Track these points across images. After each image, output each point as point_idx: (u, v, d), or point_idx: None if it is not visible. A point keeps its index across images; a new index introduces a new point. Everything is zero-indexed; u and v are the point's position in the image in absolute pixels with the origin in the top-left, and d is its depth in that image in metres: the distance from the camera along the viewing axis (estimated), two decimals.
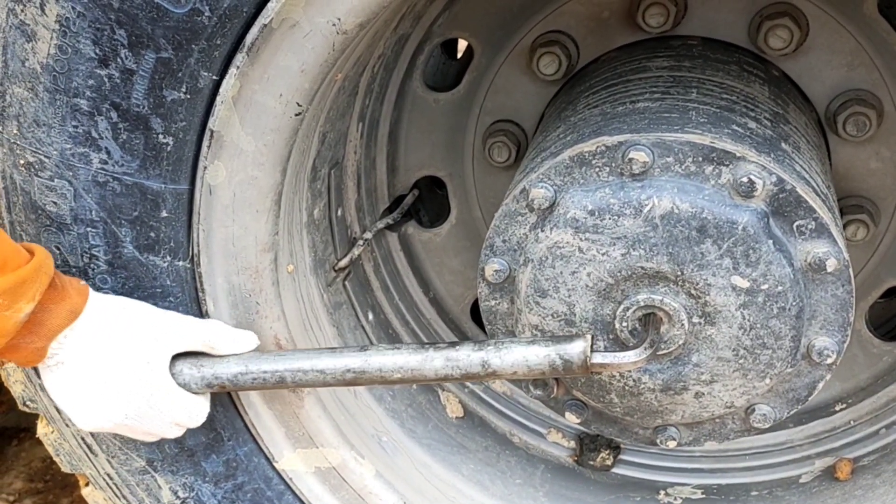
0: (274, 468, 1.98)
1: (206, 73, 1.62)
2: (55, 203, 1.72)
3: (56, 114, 1.65)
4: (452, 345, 1.72)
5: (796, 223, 1.69)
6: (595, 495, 2.27)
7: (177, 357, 1.74)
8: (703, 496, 2.27)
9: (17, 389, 1.97)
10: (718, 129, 1.73)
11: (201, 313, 1.82)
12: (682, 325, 1.72)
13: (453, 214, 2.36)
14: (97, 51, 1.61)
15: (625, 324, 1.75)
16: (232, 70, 1.62)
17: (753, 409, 1.84)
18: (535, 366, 1.68)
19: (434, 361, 1.70)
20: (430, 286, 2.42)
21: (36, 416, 2.02)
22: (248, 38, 1.60)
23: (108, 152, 1.68)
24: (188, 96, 1.64)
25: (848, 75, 2.09)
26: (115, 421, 1.71)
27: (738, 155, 1.67)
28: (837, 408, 2.31)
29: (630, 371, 1.78)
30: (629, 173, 1.70)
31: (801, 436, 2.31)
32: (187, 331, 1.75)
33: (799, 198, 1.67)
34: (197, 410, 1.77)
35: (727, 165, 1.67)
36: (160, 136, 1.67)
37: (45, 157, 1.68)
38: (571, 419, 1.95)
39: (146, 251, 1.76)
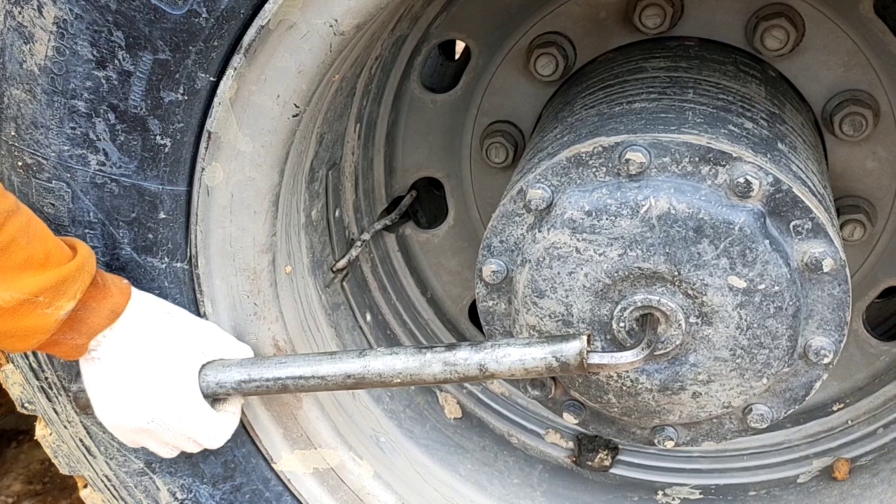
0: (272, 469, 1.98)
1: (203, 75, 1.62)
2: (53, 205, 1.72)
3: (54, 115, 1.65)
4: (450, 347, 1.72)
5: (793, 223, 1.69)
6: (593, 495, 2.27)
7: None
8: (702, 496, 2.27)
9: (15, 391, 1.97)
10: (715, 130, 1.73)
11: (199, 315, 1.82)
12: (680, 325, 1.73)
13: (451, 215, 2.36)
14: (95, 52, 1.61)
15: (622, 324, 1.75)
16: (229, 71, 1.62)
17: (751, 409, 1.84)
18: (533, 367, 1.68)
19: (432, 366, 1.70)
20: (428, 287, 2.42)
21: (34, 418, 2.02)
22: (246, 40, 1.60)
23: (105, 154, 1.68)
24: (186, 98, 1.64)
25: (844, 75, 2.09)
26: (139, 424, 1.71)
27: (734, 155, 1.67)
28: (835, 408, 2.31)
29: (627, 371, 1.78)
30: (626, 174, 1.70)
31: (799, 436, 2.31)
32: (222, 343, 1.77)
33: (795, 198, 1.68)
34: (219, 429, 1.75)
35: (724, 166, 1.68)
36: (158, 138, 1.67)
37: (43, 158, 1.69)
38: (569, 419, 1.96)
39: (144, 252, 1.76)
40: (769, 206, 1.68)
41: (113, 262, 1.76)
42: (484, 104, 2.25)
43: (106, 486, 2.01)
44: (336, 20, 1.60)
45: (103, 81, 1.63)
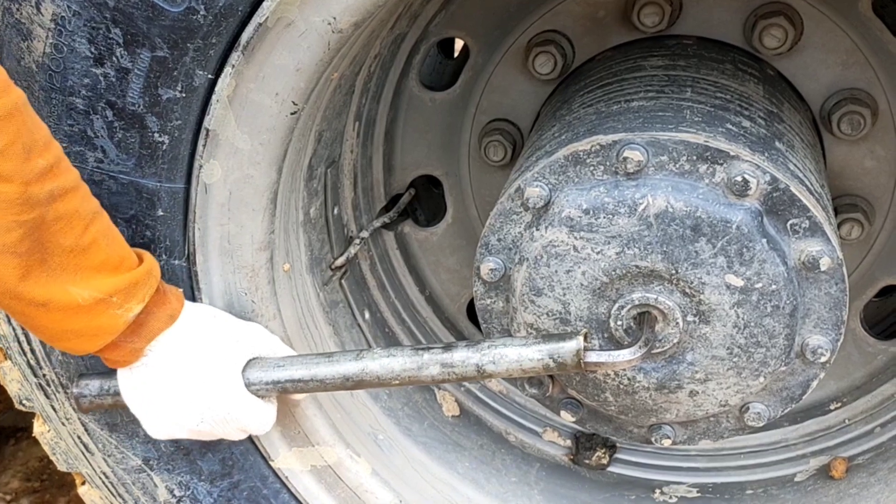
0: (270, 467, 1.99)
1: (201, 72, 1.62)
2: None
3: (52, 112, 1.66)
4: (447, 348, 1.72)
5: (790, 222, 1.69)
6: (590, 494, 2.27)
7: None
8: (699, 495, 2.27)
9: (13, 388, 1.97)
10: (713, 128, 1.74)
11: None
12: (677, 323, 1.73)
13: (449, 213, 2.36)
14: (92, 49, 1.61)
15: (619, 322, 1.75)
16: (227, 69, 1.62)
17: (748, 408, 1.84)
18: (530, 367, 1.69)
19: (430, 368, 1.71)
20: (427, 285, 2.42)
21: (32, 415, 2.02)
22: (244, 37, 1.60)
23: (103, 151, 1.68)
24: (184, 95, 1.64)
25: (842, 74, 2.09)
26: (189, 426, 1.74)
27: (732, 154, 1.68)
28: (832, 407, 2.31)
29: (625, 369, 1.78)
30: (624, 172, 1.70)
31: (796, 434, 2.31)
32: (267, 343, 1.80)
33: (793, 196, 1.68)
34: (266, 417, 1.79)
35: (721, 164, 1.68)
36: (156, 135, 1.67)
37: None
38: (567, 417, 1.96)
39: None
40: (767, 204, 1.68)
41: None
42: (482, 102, 2.25)
43: (104, 482, 2.01)
44: (334, 18, 1.60)
45: (101, 79, 1.63)
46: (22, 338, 1.88)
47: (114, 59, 1.61)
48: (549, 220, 1.73)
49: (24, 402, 1.98)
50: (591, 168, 1.72)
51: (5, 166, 1.43)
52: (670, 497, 2.26)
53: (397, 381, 1.74)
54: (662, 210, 1.68)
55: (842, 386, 2.32)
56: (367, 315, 2.26)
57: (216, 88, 1.64)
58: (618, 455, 2.32)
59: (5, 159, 1.43)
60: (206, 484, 1.98)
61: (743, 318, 1.72)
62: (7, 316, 1.86)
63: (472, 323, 2.42)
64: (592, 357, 1.69)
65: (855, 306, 2.25)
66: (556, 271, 1.75)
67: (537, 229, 1.75)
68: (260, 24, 1.59)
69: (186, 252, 1.78)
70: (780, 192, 1.68)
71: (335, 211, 2.13)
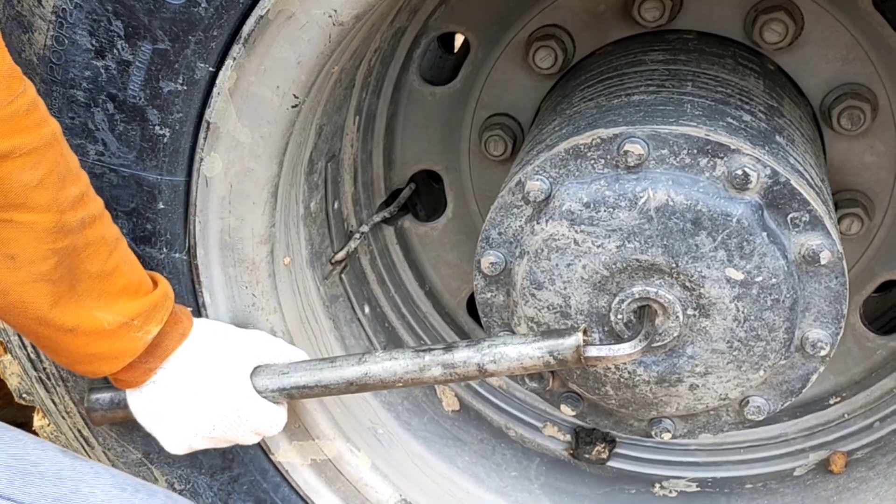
0: (270, 460, 1.99)
1: (202, 65, 1.62)
2: None
3: (52, 105, 1.65)
4: (448, 348, 1.73)
5: (790, 215, 1.69)
6: (590, 488, 2.27)
7: None
8: (698, 489, 2.27)
9: (13, 382, 1.97)
10: (713, 122, 1.74)
11: (198, 306, 1.83)
12: (677, 317, 1.73)
13: (450, 208, 2.36)
14: (94, 42, 1.61)
15: (620, 316, 1.76)
16: (228, 61, 1.62)
17: (747, 402, 1.85)
18: (531, 365, 1.70)
19: (432, 370, 1.73)
20: (427, 279, 2.42)
21: (32, 409, 2.02)
22: (245, 30, 1.60)
23: (104, 144, 1.68)
24: (185, 88, 1.64)
25: (843, 69, 2.09)
26: (203, 433, 1.74)
27: (732, 147, 1.68)
28: (832, 401, 2.31)
29: (625, 363, 1.78)
30: (624, 165, 1.70)
31: (796, 429, 2.32)
32: (270, 348, 1.82)
33: (793, 190, 1.68)
34: (278, 417, 1.80)
35: (722, 158, 1.68)
36: (157, 128, 1.67)
37: None
38: (567, 412, 1.96)
39: (143, 243, 1.76)
40: (767, 198, 1.68)
41: None
42: (483, 97, 2.25)
43: None
44: (335, 10, 1.60)
45: (102, 71, 1.63)
46: None
47: (115, 51, 1.61)
48: (549, 214, 1.73)
49: (24, 395, 1.98)
50: (592, 161, 1.72)
51: (43, 196, 1.47)
52: (670, 491, 2.27)
53: (400, 384, 1.75)
54: (663, 203, 1.68)
55: (841, 381, 2.32)
56: (367, 309, 2.26)
57: (217, 81, 1.64)
58: (617, 450, 2.33)
59: (43, 189, 1.46)
60: (207, 477, 1.98)
61: (743, 312, 1.72)
62: None
63: (472, 318, 2.42)
64: (592, 352, 1.69)
65: (854, 301, 2.25)
66: (557, 265, 1.75)
67: (538, 223, 1.75)
68: (261, 17, 1.59)
69: (187, 245, 1.78)
70: (780, 186, 1.68)
71: (335, 205, 2.13)
